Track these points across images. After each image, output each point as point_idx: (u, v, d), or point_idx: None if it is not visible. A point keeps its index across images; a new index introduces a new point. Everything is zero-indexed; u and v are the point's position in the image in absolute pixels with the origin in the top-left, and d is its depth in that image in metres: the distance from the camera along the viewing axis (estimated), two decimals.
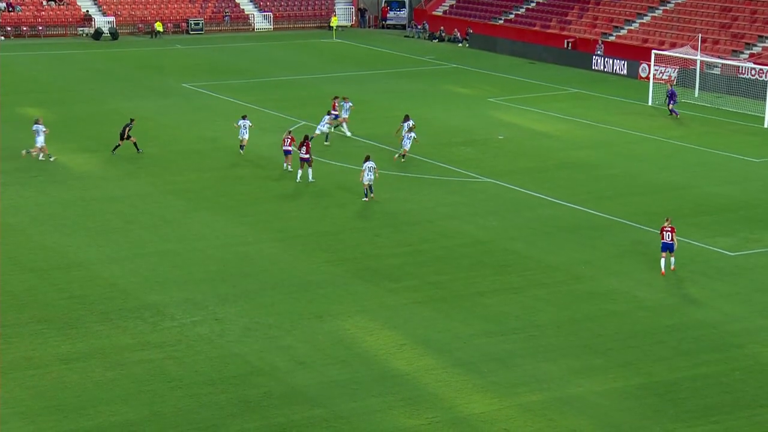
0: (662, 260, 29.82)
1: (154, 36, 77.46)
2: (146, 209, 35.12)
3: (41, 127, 41.00)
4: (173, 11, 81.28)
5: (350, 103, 47.12)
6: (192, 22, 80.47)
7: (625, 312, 26.99)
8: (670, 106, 51.38)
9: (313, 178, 38.53)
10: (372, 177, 36.14)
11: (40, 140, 40.74)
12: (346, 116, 46.41)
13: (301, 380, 22.92)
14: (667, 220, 30.29)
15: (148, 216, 34.40)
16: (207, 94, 56.38)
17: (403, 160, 41.58)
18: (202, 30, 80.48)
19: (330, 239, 32.61)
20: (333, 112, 45.97)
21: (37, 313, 25.96)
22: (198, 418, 21.24)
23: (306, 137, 39.08)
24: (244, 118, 42.94)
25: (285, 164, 39.98)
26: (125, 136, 42.29)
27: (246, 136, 42.61)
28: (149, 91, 56.42)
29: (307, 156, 38.22)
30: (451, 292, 28.30)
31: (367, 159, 36.32)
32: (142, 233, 32.62)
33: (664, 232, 29.71)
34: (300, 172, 38.51)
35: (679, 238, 31.35)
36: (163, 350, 24.22)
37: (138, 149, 42.44)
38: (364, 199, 36.29)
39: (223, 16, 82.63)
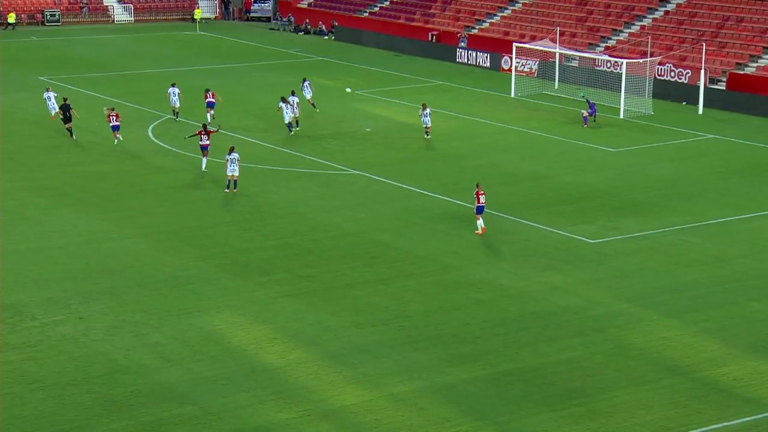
0: (479, 221, 32.56)
1: (6, 27, 74.63)
2: (2, 207, 33.86)
3: None
4: (27, 2, 78.55)
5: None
6: (48, 13, 77.98)
7: (492, 300, 27.59)
8: (586, 114, 50.80)
9: (205, 168, 38.77)
10: (236, 169, 35.77)
11: None
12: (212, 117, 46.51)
13: (169, 377, 22.58)
14: (478, 185, 32.88)
15: (5, 214, 33.20)
16: (66, 87, 54.72)
17: (427, 137, 44.70)
18: (58, 21, 78.08)
19: (197, 234, 32.20)
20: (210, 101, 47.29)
21: None
22: (61, 420, 20.68)
23: (204, 126, 39.52)
24: (173, 85, 45.79)
25: (116, 139, 42.21)
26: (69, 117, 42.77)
27: (177, 104, 45.47)
28: (3, 85, 54.39)
29: (207, 143, 38.58)
30: (321, 285, 28.35)
31: (231, 150, 35.95)
32: None
33: (480, 196, 32.40)
34: (204, 161, 38.74)
35: (541, 226, 32.17)
36: (23, 351, 23.48)
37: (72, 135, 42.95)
38: (226, 190, 36.00)
39: (81, 8, 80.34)
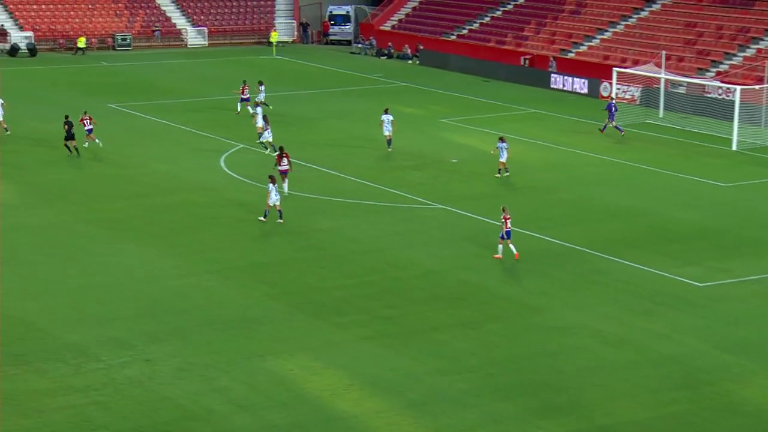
0: (500, 246, 33.37)
1: (76, 52, 76.87)
2: (65, 240, 34.73)
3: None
4: (98, 25, 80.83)
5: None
6: (119, 38, 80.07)
7: (587, 347, 27.22)
8: (613, 123, 52.32)
9: (288, 190, 39.81)
10: (279, 198, 36.71)
11: None
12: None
13: (239, 425, 22.74)
14: (504, 209, 33.47)
15: (69, 247, 34.02)
16: (135, 114, 56.06)
17: (506, 173, 43.85)
18: (129, 46, 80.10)
19: (270, 270, 32.52)
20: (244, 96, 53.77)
21: None
22: None
23: (281, 148, 40.48)
24: (257, 105, 49.65)
25: (86, 142, 45.43)
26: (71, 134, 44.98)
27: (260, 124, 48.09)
28: (70, 112, 55.88)
29: (287, 167, 39.65)
30: (402, 327, 28.33)
31: (272, 181, 36.76)
32: (62, 266, 32.23)
33: (507, 221, 33.26)
34: (285, 184, 39.78)
35: (640, 266, 31.76)
36: (87, 395, 23.89)
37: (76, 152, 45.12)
38: (263, 219, 36.81)
39: (153, 31, 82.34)
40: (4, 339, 26.62)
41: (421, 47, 78.61)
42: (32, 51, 75.69)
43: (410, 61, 78.82)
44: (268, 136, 46.86)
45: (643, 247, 35.16)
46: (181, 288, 30.85)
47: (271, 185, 36.86)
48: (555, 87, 67.07)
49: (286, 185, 40.01)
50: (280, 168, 40.11)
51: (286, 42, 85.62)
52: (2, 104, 48.95)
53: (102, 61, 74.31)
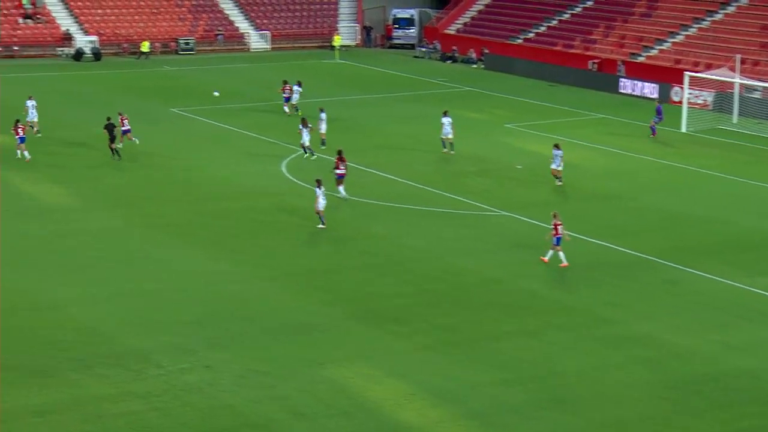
0: (560, 254, 33.20)
1: (140, 57, 77.96)
2: (124, 244, 35.19)
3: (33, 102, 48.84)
4: (161, 30, 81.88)
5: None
6: (182, 42, 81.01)
7: (656, 359, 26.87)
8: (653, 122, 52.21)
9: (343, 194, 40.02)
10: (325, 203, 36.82)
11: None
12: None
13: None
14: (555, 215, 33.48)
15: (127, 252, 34.46)
16: (196, 119, 56.67)
17: (559, 183, 43.21)
18: (192, 50, 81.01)
19: (329, 277, 32.62)
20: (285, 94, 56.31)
21: (8, 360, 25.89)
22: None
23: (339, 152, 40.77)
24: (322, 110, 48.74)
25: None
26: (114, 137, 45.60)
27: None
28: (134, 116, 56.62)
29: (344, 172, 40.03)
30: (462, 336, 28.24)
31: (320, 184, 36.96)
32: (122, 271, 32.66)
33: (558, 227, 33.18)
34: (341, 188, 40.16)
35: (712, 276, 31.28)
36: (148, 401, 24.14)
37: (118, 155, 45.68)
38: (321, 226, 36.89)
39: (216, 35, 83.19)
40: (67, 344, 27.05)
41: (486, 51, 78.40)
42: (96, 55, 76.89)
43: (475, 66, 78.66)
44: (305, 140, 46.90)
45: (715, 257, 34.66)
46: (241, 294, 31.08)
47: (318, 189, 36.92)
48: (624, 92, 66.41)
49: (342, 189, 40.17)
50: (337, 172, 40.27)
51: (349, 46, 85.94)
52: (34, 105, 49.81)
53: (165, 65, 75.23)
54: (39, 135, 49.80)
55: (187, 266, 33.29)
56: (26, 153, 45.71)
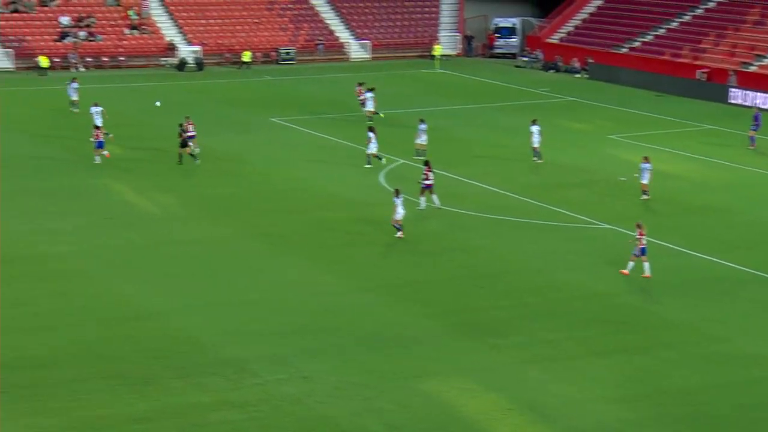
0: (632, 263, 33.25)
1: (241, 66, 79.24)
2: (227, 254, 35.78)
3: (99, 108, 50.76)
4: (263, 40, 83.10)
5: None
6: (282, 52, 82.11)
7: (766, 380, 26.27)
8: (751, 132, 50.93)
9: (421, 203, 40.42)
10: (403, 213, 37.06)
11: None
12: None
13: None
14: (639, 225, 33.47)
15: (229, 261, 35.03)
16: (296, 129, 57.34)
17: (646, 197, 42.57)
18: (293, 60, 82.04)
19: (426, 289, 32.69)
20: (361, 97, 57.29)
21: (110, 368, 26.56)
22: None
23: (427, 162, 41.23)
24: (421, 121, 48.78)
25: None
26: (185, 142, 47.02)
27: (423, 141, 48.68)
28: (234, 125, 57.67)
29: (432, 182, 40.43)
30: (563, 351, 28.01)
31: (398, 194, 37.19)
32: (223, 280, 33.22)
33: (643, 238, 33.09)
34: (422, 199, 40.45)
35: None
36: (245, 411, 24.49)
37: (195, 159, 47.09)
38: (399, 235, 37.16)
39: (316, 45, 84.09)
40: (167, 352, 27.62)
41: (591, 60, 77.68)
42: (199, 65, 78.42)
43: (578, 75, 78.00)
44: (373, 148, 47.35)
45: None
46: (338, 305, 31.34)
47: (397, 199, 37.11)
48: (734, 102, 65.12)
49: (436, 198, 40.58)
50: (425, 183, 40.45)
51: (450, 55, 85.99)
52: (102, 111, 51.51)
53: (266, 75, 76.31)
54: (110, 137, 51.08)
55: (287, 276, 33.70)
56: (97, 158, 47.34)
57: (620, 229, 38.83)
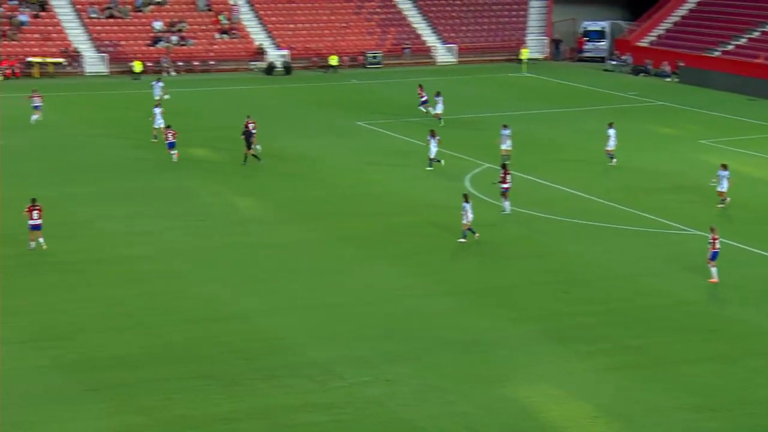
0: (714, 269, 32.76)
1: (328, 70, 79.81)
2: (312, 257, 36.09)
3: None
4: (350, 44, 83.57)
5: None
6: (369, 56, 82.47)
7: None
8: None
9: (506, 207, 40.59)
10: (472, 217, 36.95)
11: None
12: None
13: None
14: (712, 229, 33.15)
15: (314, 264, 35.33)
16: (382, 132, 57.56)
17: (722, 205, 42.13)
18: (380, 64, 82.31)
19: (510, 294, 32.58)
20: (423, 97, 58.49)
21: (198, 368, 27.00)
22: None
23: (504, 166, 41.49)
24: (505, 127, 48.83)
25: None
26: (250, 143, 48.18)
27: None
28: (320, 129, 58.12)
29: (509, 185, 40.60)
30: (650, 359, 27.69)
31: (467, 199, 37.10)
32: (308, 283, 33.52)
33: (716, 242, 32.79)
34: (506, 203, 40.72)
35: None
36: (330, 413, 24.70)
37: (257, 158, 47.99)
38: (462, 240, 37.08)
39: (403, 49, 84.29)
40: (254, 353, 27.98)
41: (682, 64, 76.52)
42: (287, 69, 79.16)
43: (668, 79, 76.91)
44: (433, 151, 47.64)
45: None
46: (422, 308, 31.40)
47: (466, 204, 37.01)
48: None
49: (507, 204, 40.57)
50: (503, 186, 40.47)
51: (537, 59, 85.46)
52: (161, 112, 53.03)
53: (352, 79, 76.74)
54: (155, 141, 52.40)
55: (372, 280, 33.87)
56: (174, 157, 48.50)
57: (709, 236, 38.14)
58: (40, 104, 57.01)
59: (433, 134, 48.32)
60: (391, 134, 56.95)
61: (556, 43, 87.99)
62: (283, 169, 48.63)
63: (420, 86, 60.97)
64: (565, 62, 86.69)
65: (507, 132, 49.13)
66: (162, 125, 51.88)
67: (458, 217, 40.69)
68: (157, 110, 53.00)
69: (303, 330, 29.67)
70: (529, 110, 64.38)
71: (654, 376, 26.57)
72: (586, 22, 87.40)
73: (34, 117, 56.86)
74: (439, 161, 47.97)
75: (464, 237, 37.27)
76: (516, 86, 74.81)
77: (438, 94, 58.68)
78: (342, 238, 38.24)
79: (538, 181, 46.37)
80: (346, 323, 30.26)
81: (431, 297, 32.39)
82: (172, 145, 48.87)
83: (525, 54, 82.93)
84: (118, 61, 76.93)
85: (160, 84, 61.74)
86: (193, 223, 39.82)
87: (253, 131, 49.54)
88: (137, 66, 75.41)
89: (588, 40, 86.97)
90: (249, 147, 48.48)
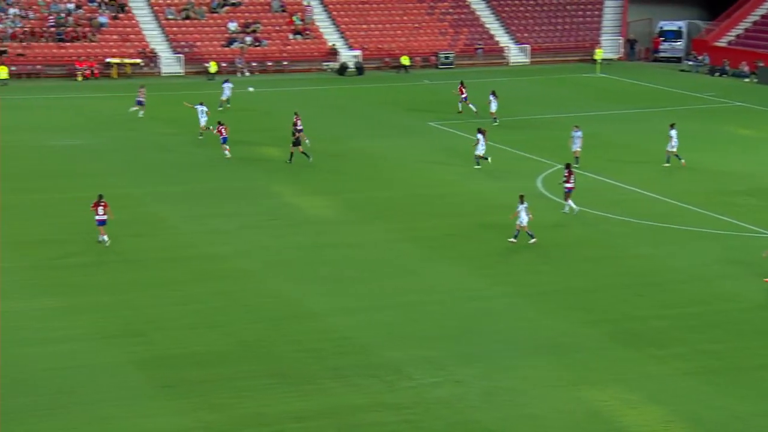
0: None
1: (400, 71, 79.84)
2: (383, 257, 36.10)
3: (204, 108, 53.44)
4: (422, 44, 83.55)
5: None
6: (442, 56, 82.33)
7: None
8: None
9: (575, 208, 40.36)
10: (527, 219, 36.68)
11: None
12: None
13: None
14: None
15: (386, 264, 35.34)
16: (453, 133, 57.42)
17: None
18: (452, 64, 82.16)
19: (584, 296, 32.25)
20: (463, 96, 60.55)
21: (270, 366, 27.15)
22: None
23: (568, 165, 41.13)
24: (576, 128, 48.43)
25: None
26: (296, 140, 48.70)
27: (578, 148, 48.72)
28: (392, 129, 58.18)
29: (573, 185, 40.34)
30: (727, 364, 27.22)
31: (522, 200, 36.82)
32: (379, 283, 33.54)
33: None
34: (570, 203, 40.41)
35: None
36: (399, 413, 24.67)
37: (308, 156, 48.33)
38: (512, 240, 37.01)
39: (476, 49, 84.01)
40: (325, 353, 28.05)
41: (761, 64, 75.15)
42: (359, 70, 79.38)
43: (747, 79, 75.62)
44: (480, 150, 47.86)
45: None
46: (492, 310, 31.23)
47: (521, 205, 36.74)
48: None
49: (572, 203, 40.31)
50: (566, 186, 40.17)
51: (611, 59, 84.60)
52: (206, 111, 54.07)
53: (424, 80, 76.68)
54: (201, 138, 53.46)
55: (444, 280, 33.77)
56: (227, 152, 49.22)
57: None
58: (143, 99, 59.34)
59: (481, 132, 48.30)
60: (462, 135, 56.74)
61: (631, 43, 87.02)
62: (353, 169, 48.74)
63: (461, 83, 62.15)
64: (640, 62, 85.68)
65: (578, 134, 48.65)
66: (204, 123, 53.33)
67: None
68: (202, 108, 54.03)
69: (373, 330, 29.68)
70: (603, 111, 63.75)
71: (731, 382, 26.10)
72: (663, 22, 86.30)
73: (134, 109, 59.24)
74: (486, 158, 47.96)
75: (515, 237, 37.11)
76: (590, 87, 74.12)
77: (493, 93, 58.67)
78: (413, 238, 38.19)
79: (611, 182, 45.87)
80: (416, 324, 30.20)
81: (501, 298, 32.20)
82: (225, 141, 49.90)
83: (599, 54, 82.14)
84: (194, 61, 77.82)
85: (230, 85, 62.63)
86: (265, 222, 40.08)
87: (301, 127, 50.60)
88: (212, 66, 76.20)
89: (664, 40, 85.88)
90: (297, 144, 48.79)
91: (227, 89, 62.35)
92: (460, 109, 61.31)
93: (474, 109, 60.22)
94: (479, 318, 30.57)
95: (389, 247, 37.27)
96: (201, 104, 54.39)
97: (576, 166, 47.48)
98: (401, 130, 58.03)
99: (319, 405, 25.07)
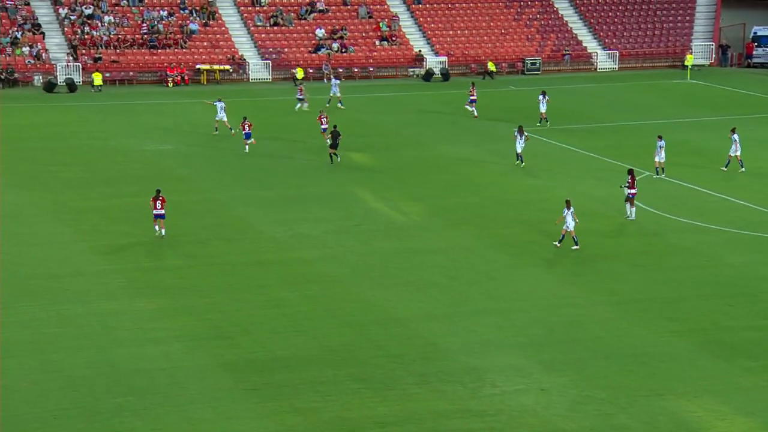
0: None
1: (485, 77, 79.52)
2: (469, 263, 35.95)
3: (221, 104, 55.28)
4: (509, 50, 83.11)
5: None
6: (528, 62, 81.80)
7: None
8: None
9: (632, 213, 40.16)
10: (573, 224, 36.45)
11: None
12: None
13: None
14: None
15: (471, 271, 35.19)
16: (539, 139, 56.96)
17: None
18: (538, 70, 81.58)
19: (673, 306, 31.71)
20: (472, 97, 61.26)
21: (354, 371, 27.21)
22: None
23: (630, 171, 40.78)
24: (660, 138, 47.66)
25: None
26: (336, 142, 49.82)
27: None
28: (477, 136, 57.94)
29: (636, 191, 40.10)
30: None
31: (569, 205, 36.68)
32: (464, 289, 33.40)
33: None
34: (632, 209, 40.19)
35: None
36: (483, 420, 24.52)
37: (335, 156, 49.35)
38: (557, 244, 36.92)
39: (563, 55, 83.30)
40: (409, 358, 28.03)
41: None
42: (445, 76, 79.27)
43: None
44: (519, 147, 48.53)
45: None
46: (579, 318, 30.87)
47: (566, 210, 36.50)
48: None
49: (633, 210, 40.13)
50: (630, 192, 39.87)
51: (702, 65, 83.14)
52: (223, 107, 55.74)
53: (510, 86, 76.24)
54: (233, 132, 54.70)
55: (528, 287, 33.52)
56: (246, 147, 51.62)
57: None
58: (304, 96, 63.38)
59: (520, 131, 48.78)
60: (548, 141, 56.30)
61: (723, 48, 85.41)
62: (438, 174, 48.66)
63: (472, 84, 63.10)
64: (733, 68, 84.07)
65: (661, 143, 47.74)
66: (225, 119, 55.33)
67: (615, 224, 39.99)
68: (220, 104, 55.86)
69: (458, 336, 29.57)
70: (693, 117, 62.71)
71: None
72: (757, 27, 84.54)
73: (299, 106, 63.15)
74: (520, 159, 48.95)
75: (560, 242, 36.89)
76: (681, 93, 72.96)
77: (543, 94, 58.72)
78: (497, 244, 37.98)
79: (701, 190, 45.06)
80: (501, 330, 30.01)
81: (589, 306, 31.82)
82: (248, 136, 51.68)
83: (690, 60, 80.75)
84: (281, 67, 78.50)
85: (337, 81, 66.18)
86: (351, 227, 40.22)
87: (325, 126, 51.95)
88: (299, 72, 76.78)
89: (758, 46, 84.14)
90: (334, 147, 49.35)
91: (335, 86, 65.04)
92: (471, 110, 61.67)
93: (473, 112, 61.07)
94: (565, 326, 30.25)
95: (474, 253, 37.11)
96: (219, 100, 56.50)
97: (657, 176, 46.79)
98: (486, 137, 57.75)
99: (403, 410, 25.03)
